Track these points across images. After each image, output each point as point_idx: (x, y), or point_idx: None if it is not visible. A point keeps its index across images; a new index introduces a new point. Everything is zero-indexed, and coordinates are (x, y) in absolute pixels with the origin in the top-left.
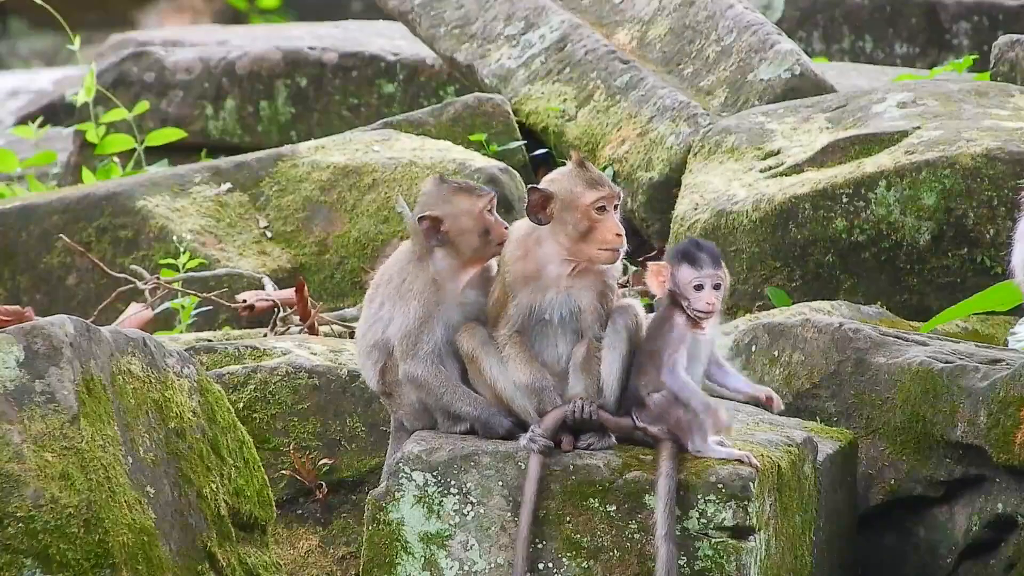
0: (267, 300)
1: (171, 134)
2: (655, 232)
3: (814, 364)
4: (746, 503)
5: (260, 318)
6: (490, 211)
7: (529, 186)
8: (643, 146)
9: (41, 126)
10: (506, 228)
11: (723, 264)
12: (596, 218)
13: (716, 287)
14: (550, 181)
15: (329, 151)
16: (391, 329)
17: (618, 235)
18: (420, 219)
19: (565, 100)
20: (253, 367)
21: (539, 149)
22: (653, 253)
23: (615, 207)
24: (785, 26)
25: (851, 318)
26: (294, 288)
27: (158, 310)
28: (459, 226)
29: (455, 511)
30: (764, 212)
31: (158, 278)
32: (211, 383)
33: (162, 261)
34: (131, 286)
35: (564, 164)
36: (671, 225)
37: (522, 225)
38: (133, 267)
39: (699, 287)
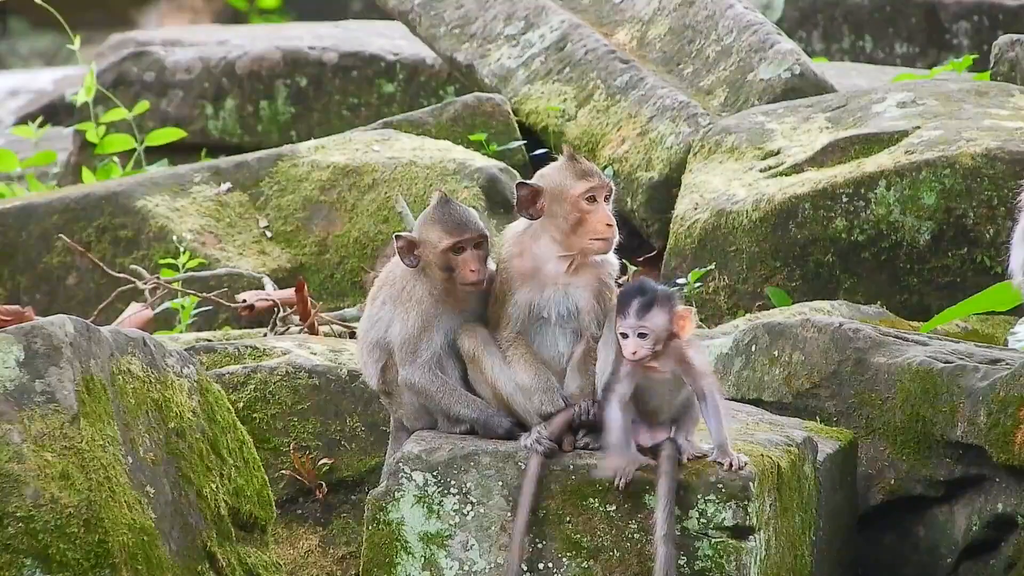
0: (267, 300)
1: (171, 134)
2: (655, 232)
3: (814, 364)
4: (746, 503)
5: (260, 318)
6: (458, 250)
7: (517, 182)
8: (643, 146)
9: (41, 126)
10: (475, 271)
11: (661, 311)
12: (586, 209)
13: (641, 336)
14: (540, 176)
15: (329, 151)
16: (391, 333)
17: (609, 225)
18: (396, 237)
19: (565, 100)
20: (253, 367)
21: (539, 149)
22: (653, 253)
23: (605, 198)
24: (785, 26)
25: (851, 318)
26: (294, 288)
27: (158, 310)
28: (426, 256)
29: (455, 511)
30: (764, 212)
31: (158, 278)
32: (211, 383)
33: (162, 261)
34: (131, 286)
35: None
36: (671, 225)
37: (519, 223)
38: (133, 267)
39: (623, 335)
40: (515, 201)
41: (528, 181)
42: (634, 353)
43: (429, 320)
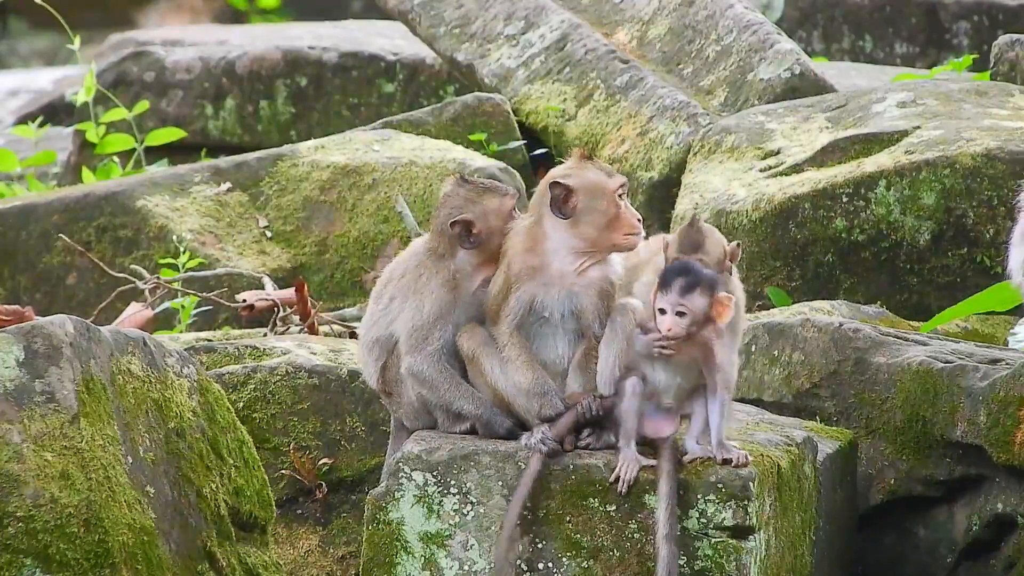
0: (267, 300)
1: (171, 134)
2: (655, 232)
3: (814, 364)
4: (746, 503)
5: (260, 318)
6: (515, 209)
7: (552, 180)
8: (643, 146)
9: (41, 126)
10: None
11: (702, 294)
12: (619, 204)
13: (679, 314)
14: (568, 175)
15: (329, 151)
16: (398, 323)
17: (639, 220)
18: (452, 224)
19: (565, 100)
20: (253, 367)
21: (539, 149)
22: None
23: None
24: (785, 26)
25: (851, 318)
26: (294, 288)
27: (158, 310)
28: (489, 226)
29: (455, 511)
30: (764, 212)
31: (158, 278)
32: (211, 383)
33: (162, 261)
34: (131, 286)
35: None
36: (671, 225)
37: (525, 219)
38: (133, 267)
39: (661, 311)
40: (548, 200)
41: (561, 179)
42: (669, 329)
43: (446, 308)
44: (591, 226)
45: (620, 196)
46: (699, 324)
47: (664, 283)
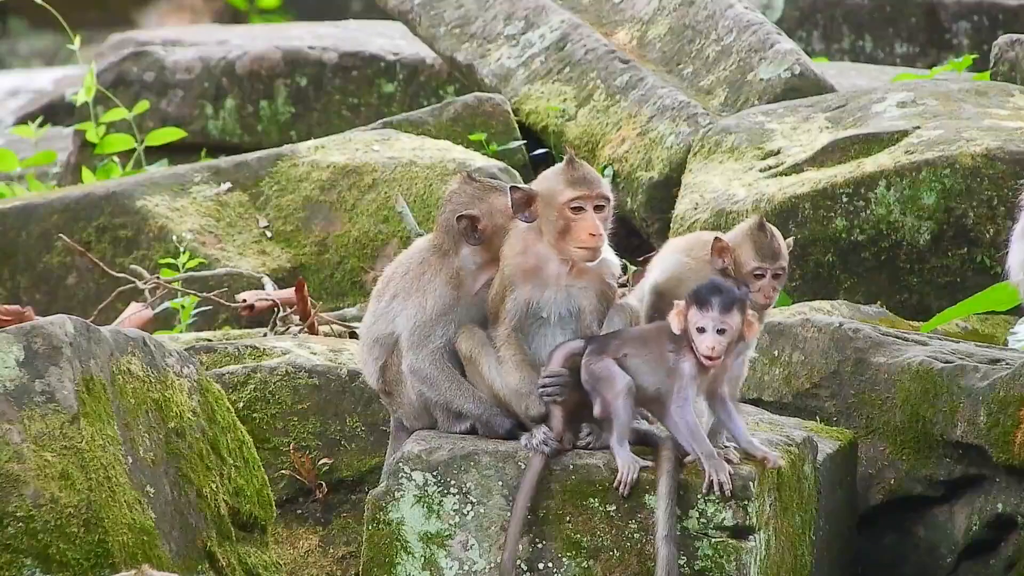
0: (267, 300)
1: (171, 134)
2: (655, 232)
3: (814, 364)
4: (746, 503)
5: (260, 318)
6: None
7: (510, 185)
8: (643, 146)
9: (41, 126)
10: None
11: (739, 311)
12: (571, 217)
13: (720, 332)
14: (539, 179)
15: (329, 151)
16: (400, 321)
17: (592, 235)
18: (459, 218)
19: (565, 100)
20: (253, 367)
21: (539, 149)
22: (653, 253)
23: (597, 207)
24: (785, 26)
25: (851, 318)
26: (294, 288)
27: (158, 310)
28: (495, 224)
29: (455, 511)
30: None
31: (158, 278)
32: (211, 383)
33: (162, 261)
34: (131, 286)
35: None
36: (671, 225)
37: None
38: (133, 267)
39: (701, 330)
40: (510, 204)
41: (521, 185)
42: (712, 349)
43: (449, 306)
44: (550, 233)
45: (575, 209)
46: (735, 341)
47: (702, 302)
